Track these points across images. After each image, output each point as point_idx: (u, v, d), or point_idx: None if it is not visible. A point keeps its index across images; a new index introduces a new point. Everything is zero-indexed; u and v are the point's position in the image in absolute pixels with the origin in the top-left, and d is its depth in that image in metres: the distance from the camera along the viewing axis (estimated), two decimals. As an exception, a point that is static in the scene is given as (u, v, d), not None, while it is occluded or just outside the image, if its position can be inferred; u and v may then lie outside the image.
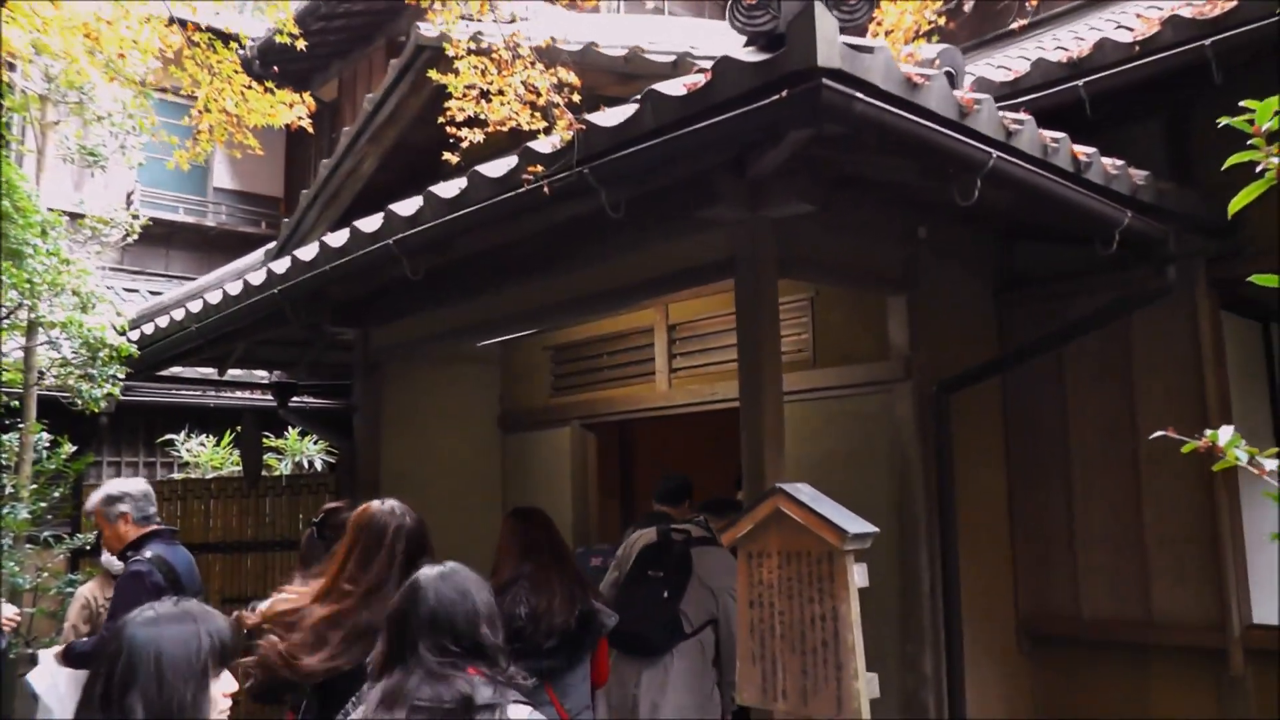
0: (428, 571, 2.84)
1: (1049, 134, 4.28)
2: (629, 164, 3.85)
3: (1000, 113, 4.02)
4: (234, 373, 9.10)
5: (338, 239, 5.12)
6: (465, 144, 4.23)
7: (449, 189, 4.47)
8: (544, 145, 4.08)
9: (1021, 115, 4.14)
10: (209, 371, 8.95)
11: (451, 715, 2.59)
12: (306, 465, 10.29)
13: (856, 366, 6.24)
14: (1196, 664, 5.84)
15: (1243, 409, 6.19)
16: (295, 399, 8.66)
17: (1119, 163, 4.79)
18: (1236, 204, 2.43)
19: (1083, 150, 4.48)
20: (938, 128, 3.67)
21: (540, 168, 4.01)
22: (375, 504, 3.79)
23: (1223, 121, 2.65)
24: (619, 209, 4.04)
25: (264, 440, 9.20)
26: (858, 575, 3.43)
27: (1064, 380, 6.40)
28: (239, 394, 10.86)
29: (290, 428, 10.04)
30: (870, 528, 3.44)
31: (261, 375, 9.69)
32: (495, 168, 4.28)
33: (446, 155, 4.32)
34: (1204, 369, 5.85)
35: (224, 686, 2.37)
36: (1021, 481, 6.56)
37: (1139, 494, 6.06)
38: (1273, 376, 6.81)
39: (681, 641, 5.07)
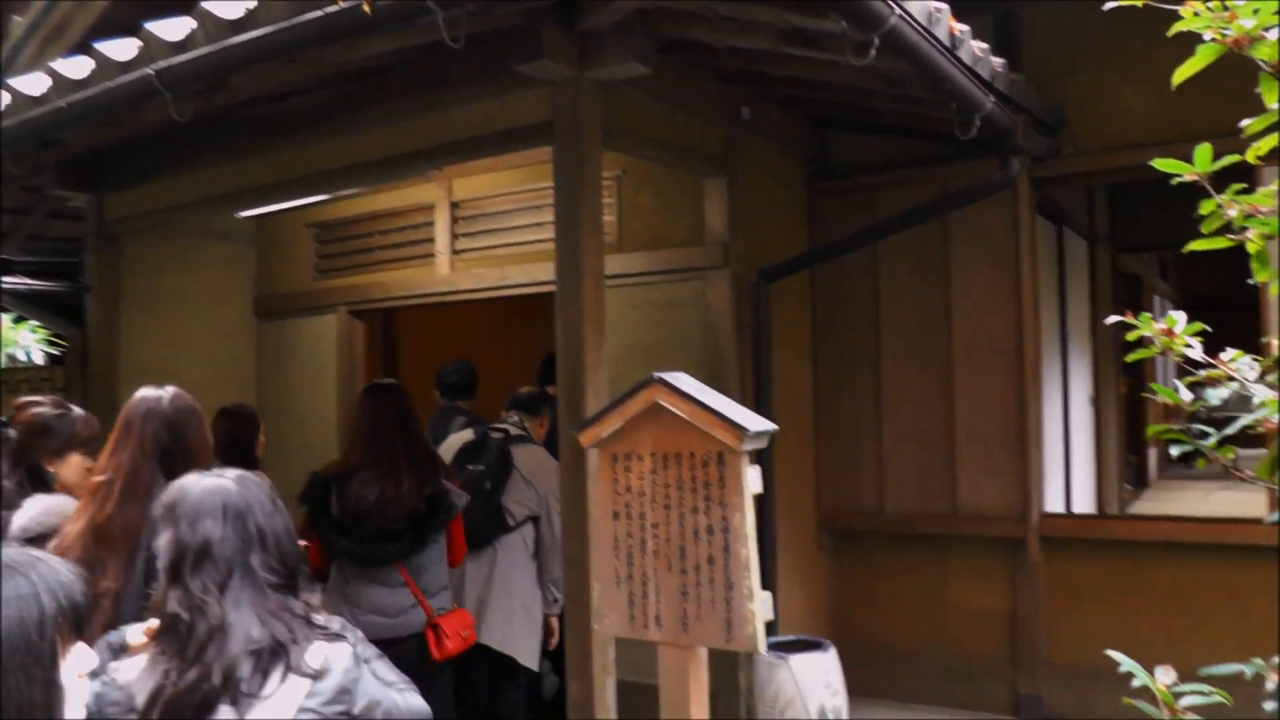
0: (227, 475, 2.12)
1: (932, 2, 3.79)
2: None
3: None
4: (-71, 246, 7.55)
5: (77, 67, 4.01)
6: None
7: (232, 8, 3.50)
8: (365, -47, 3.19)
9: (908, -28, 3.59)
10: (-104, 243, 7.38)
11: (275, 658, 1.94)
12: (24, 358, 8.83)
13: (668, 251, 5.71)
14: (996, 553, 5.84)
15: (1046, 307, 6.15)
16: (9, 278, 7.29)
17: (984, 45, 4.43)
18: (1181, 75, 2.10)
19: (958, 26, 4.03)
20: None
21: (359, -20, 3.13)
22: (146, 388, 3.04)
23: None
24: (459, 41, 3.24)
25: (-32, 327, 7.73)
26: (753, 479, 2.85)
27: (877, 274, 6.15)
28: (-64, 272, 9.14)
29: (3, 313, 8.56)
30: (770, 425, 2.87)
31: (-35, 251, 8.13)
32: (297, -19, 3.35)
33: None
34: (1021, 267, 5.74)
35: (77, 666, 1.51)
36: (828, 376, 6.29)
37: (951, 390, 5.92)
38: (1062, 277, 6.81)
39: (504, 535, 4.74)
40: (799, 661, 4.73)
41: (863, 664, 5.58)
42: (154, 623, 1.99)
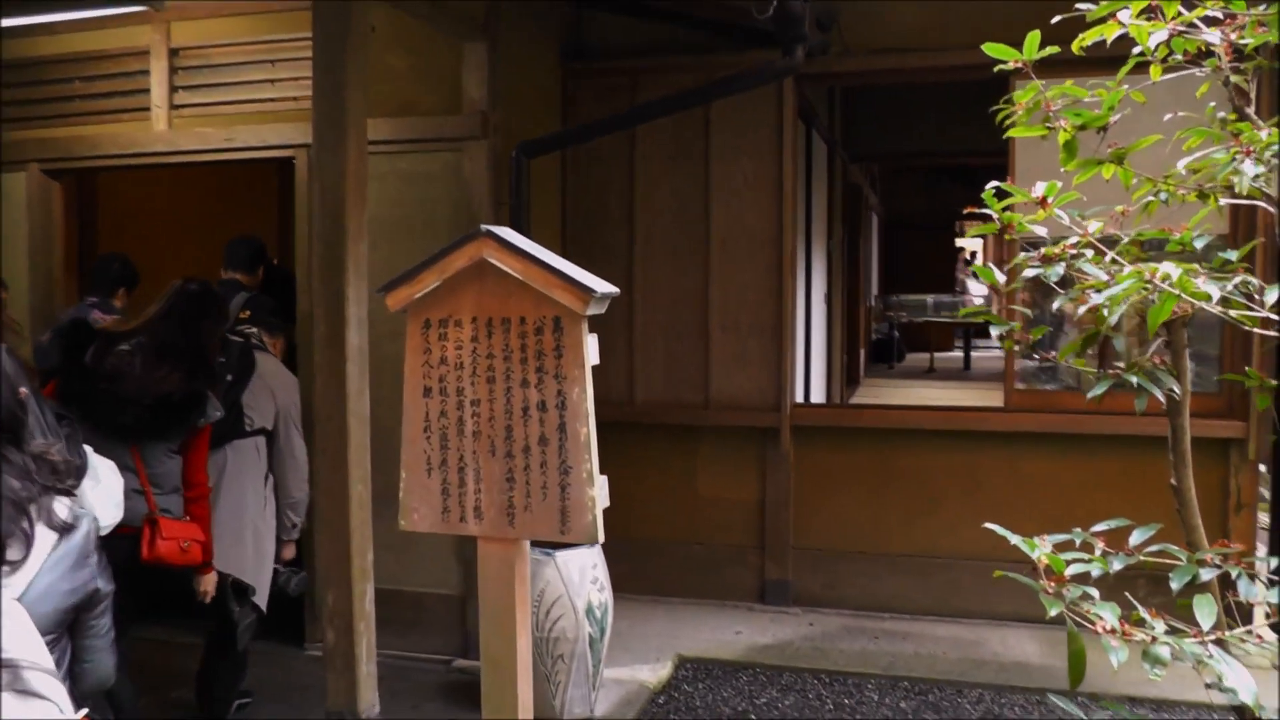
0: None
1: None
2: None
3: None
4: None
5: None
6: None
7: None
8: None
9: None
10: None
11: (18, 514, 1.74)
12: None
13: (419, 119, 5.12)
14: (747, 443, 5.76)
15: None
16: None
17: (780, -72, 4.14)
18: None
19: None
20: None
21: None
22: None
23: None
24: None
25: None
26: (592, 349, 2.43)
27: (633, 162, 5.85)
28: None
29: None
30: (612, 287, 2.44)
31: None
32: None
33: None
34: (784, 160, 5.63)
35: None
36: (577, 263, 5.90)
37: (706, 280, 5.73)
38: (809, 178, 6.76)
39: (239, 439, 4.13)
40: (565, 557, 4.39)
41: (611, 559, 5.36)
42: None
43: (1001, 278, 2.53)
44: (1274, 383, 2.99)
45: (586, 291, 2.32)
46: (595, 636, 4.38)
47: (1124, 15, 2.19)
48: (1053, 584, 2.09)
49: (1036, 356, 3.02)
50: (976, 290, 14.31)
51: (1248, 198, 2.23)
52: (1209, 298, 2.07)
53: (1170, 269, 2.08)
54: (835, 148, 7.89)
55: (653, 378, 5.82)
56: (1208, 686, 2.16)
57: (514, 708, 2.46)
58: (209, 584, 3.74)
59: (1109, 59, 2.29)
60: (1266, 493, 5.10)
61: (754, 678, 4.87)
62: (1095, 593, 2.05)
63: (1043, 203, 2.39)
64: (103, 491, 3.19)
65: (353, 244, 3.77)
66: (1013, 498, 5.29)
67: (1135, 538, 2.24)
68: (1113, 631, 2.01)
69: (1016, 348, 2.62)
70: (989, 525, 2.21)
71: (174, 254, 6.66)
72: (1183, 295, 2.08)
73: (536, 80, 5.73)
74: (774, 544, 5.67)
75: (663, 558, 5.81)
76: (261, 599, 4.07)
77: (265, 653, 4.38)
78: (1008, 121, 2.51)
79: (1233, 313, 2.13)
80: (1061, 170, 2.31)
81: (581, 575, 4.41)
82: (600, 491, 2.40)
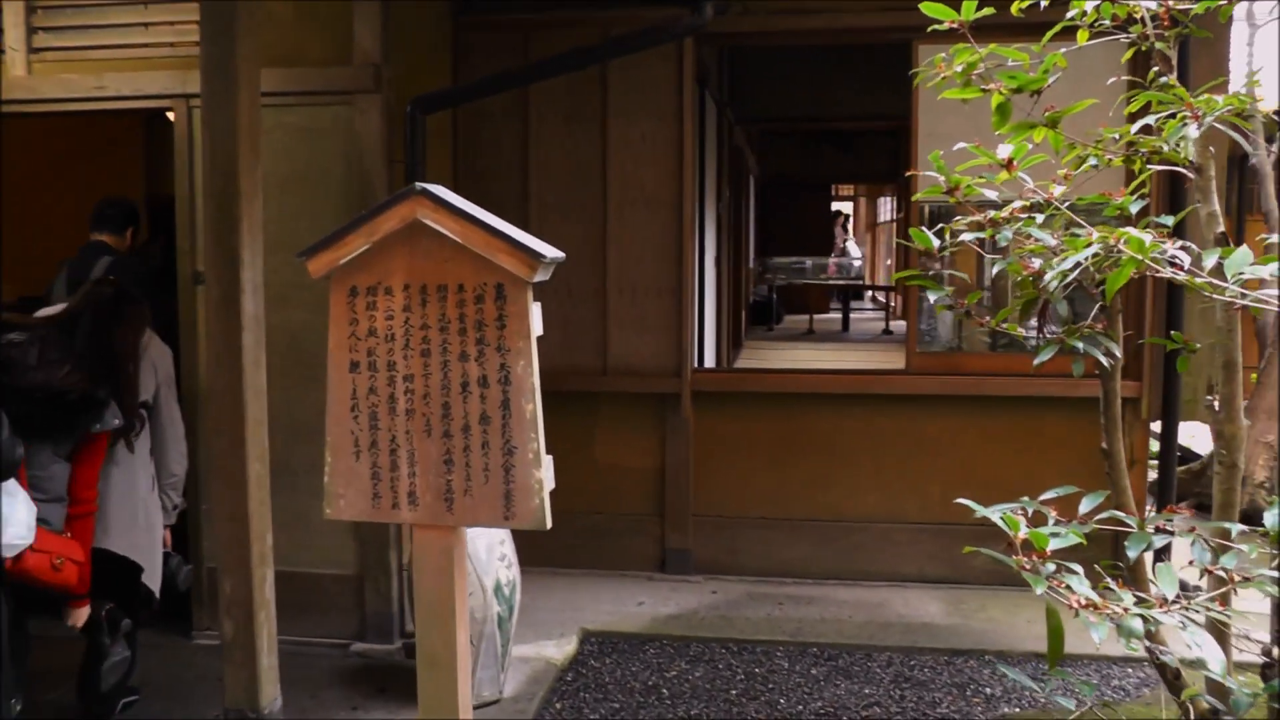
0: None
1: None
2: None
3: None
4: None
5: None
6: None
7: None
8: None
9: None
10: None
11: None
12: None
13: (307, 70, 4.77)
14: (647, 409, 5.64)
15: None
16: None
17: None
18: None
19: None
20: None
21: None
22: None
23: None
24: None
25: None
26: (536, 319, 2.22)
27: (527, 120, 5.62)
28: None
29: None
30: (558, 251, 2.23)
31: None
32: None
33: None
34: (684, 121, 5.53)
35: None
36: (471, 224, 5.65)
37: (604, 242, 5.56)
38: (702, 139, 6.62)
39: None
40: (473, 534, 4.16)
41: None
42: None
43: (936, 242, 2.44)
44: (1197, 345, 2.99)
45: (534, 256, 2.11)
46: (504, 615, 4.18)
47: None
48: (1029, 559, 2.00)
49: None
50: (855, 253, 14.51)
51: (1169, 163, 2.19)
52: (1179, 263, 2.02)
53: (1136, 233, 2.02)
54: (724, 109, 7.75)
55: (550, 343, 5.56)
56: (1147, 649, 2.12)
57: (454, 707, 2.25)
58: (80, 618, 3.40)
59: (1024, 25, 2.26)
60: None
61: (661, 650, 4.75)
62: (1079, 569, 1.97)
63: (1008, 165, 2.32)
64: (19, 507, 2.90)
65: (247, 202, 3.45)
66: (915, 459, 5.30)
67: (1084, 505, 2.18)
68: (1089, 605, 1.94)
69: (953, 311, 2.54)
70: (962, 500, 2.10)
71: (29, 214, 6.15)
72: (1145, 260, 2.02)
73: (426, 32, 5.43)
74: (674, 512, 5.55)
75: (561, 528, 5.50)
76: (155, 582, 3.74)
77: (152, 644, 4.02)
78: (930, 84, 2.41)
79: (1197, 280, 2.07)
80: (980, 134, 2.25)
81: (490, 552, 4.20)
82: (547, 473, 2.19)
